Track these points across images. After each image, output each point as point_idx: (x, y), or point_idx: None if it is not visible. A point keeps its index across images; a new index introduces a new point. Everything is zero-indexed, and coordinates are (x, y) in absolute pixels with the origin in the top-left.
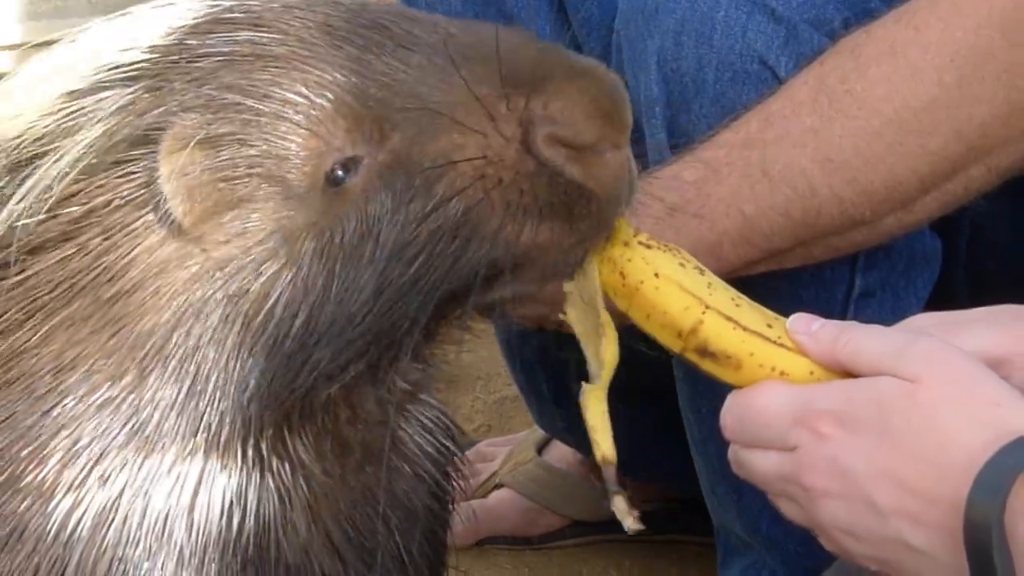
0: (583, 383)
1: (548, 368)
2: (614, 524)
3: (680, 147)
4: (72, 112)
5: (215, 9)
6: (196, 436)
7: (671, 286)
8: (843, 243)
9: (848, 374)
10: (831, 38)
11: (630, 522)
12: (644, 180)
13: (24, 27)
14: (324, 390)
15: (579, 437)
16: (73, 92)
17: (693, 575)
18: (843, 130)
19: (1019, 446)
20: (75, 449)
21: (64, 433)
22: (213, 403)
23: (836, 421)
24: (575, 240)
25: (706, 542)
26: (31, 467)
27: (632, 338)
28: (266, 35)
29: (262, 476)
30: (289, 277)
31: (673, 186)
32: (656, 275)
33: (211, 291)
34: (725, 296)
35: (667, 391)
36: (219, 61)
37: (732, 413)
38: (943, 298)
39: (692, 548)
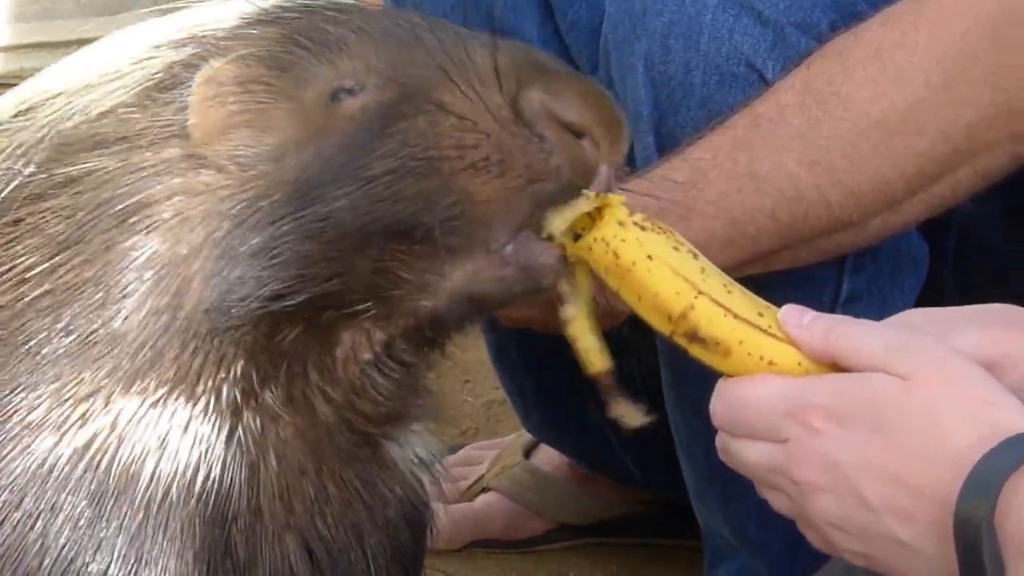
0: (564, 307)
1: (535, 372)
2: (601, 528)
3: (667, 149)
4: (137, 58)
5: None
6: (170, 369)
7: (664, 269)
8: (830, 245)
9: (837, 368)
10: (818, 41)
11: (638, 419)
12: (631, 182)
13: (12, 29)
14: (287, 307)
15: (565, 440)
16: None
17: None
18: (830, 132)
19: (1011, 445)
20: (62, 389)
21: (54, 374)
22: (186, 327)
23: (828, 415)
24: (524, 203)
25: (693, 546)
26: (20, 413)
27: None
28: (319, 9)
29: (232, 430)
30: (270, 184)
31: (660, 188)
32: (649, 257)
33: (199, 209)
34: (717, 282)
35: (654, 394)
36: (277, 23)
37: (723, 402)
38: (930, 300)
39: (679, 552)
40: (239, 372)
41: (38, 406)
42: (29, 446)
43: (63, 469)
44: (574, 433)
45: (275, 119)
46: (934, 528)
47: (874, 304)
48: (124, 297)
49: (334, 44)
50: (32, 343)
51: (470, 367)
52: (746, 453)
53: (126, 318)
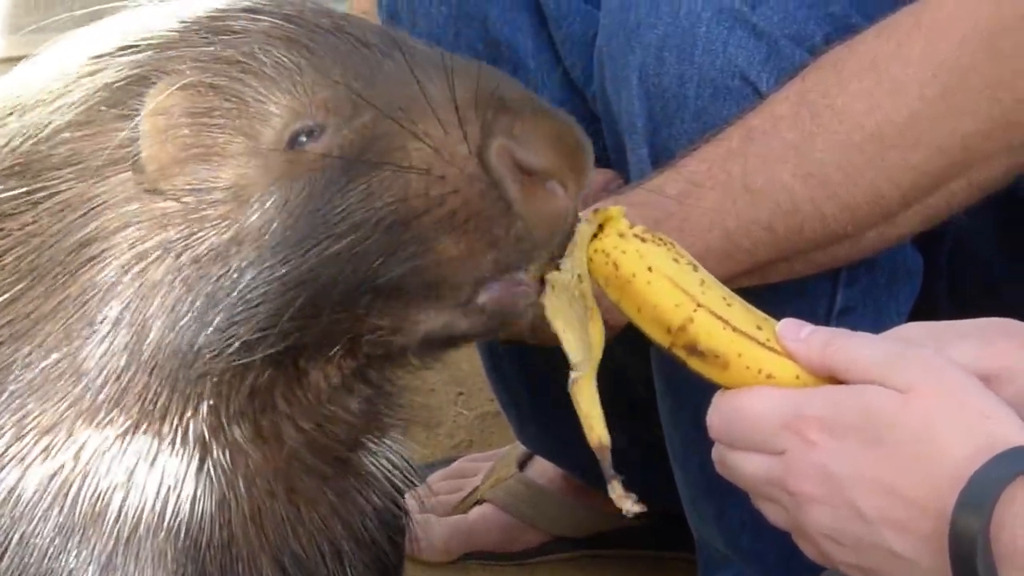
0: (570, 372)
1: (529, 383)
2: (596, 540)
3: (661, 162)
4: (81, 72)
5: (229, 7)
6: (135, 405)
7: (663, 281)
8: (825, 258)
9: (835, 380)
10: (812, 53)
11: (628, 505)
12: (626, 194)
13: (6, 41)
14: (257, 358)
15: (560, 452)
16: (87, 58)
17: None
18: (825, 145)
19: (1006, 457)
20: (24, 422)
21: (16, 405)
22: (151, 365)
23: (825, 427)
24: (490, 263)
25: (688, 557)
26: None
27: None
28: (269, 20)
29: (201, 464)
30: (235, 234)
31: (655, 200)
32: (649, 269)
33: (157, 243)
34: (717, 295)
35: (648, 405)
36: (224, 35)
37: (720, 413)
38: (925, 312)
39: (673, 563)
40: (206, 409)
41: (1, 437)
42: None
43: (29, 501)
44: (569, 445)
45: (232, 156)
46: (930, 540)
47: (869, 316)
48: (85, 332)
49: (287, 73)
50: None
51: (464, 379)
52: (743, 465)
53: (88, 353)
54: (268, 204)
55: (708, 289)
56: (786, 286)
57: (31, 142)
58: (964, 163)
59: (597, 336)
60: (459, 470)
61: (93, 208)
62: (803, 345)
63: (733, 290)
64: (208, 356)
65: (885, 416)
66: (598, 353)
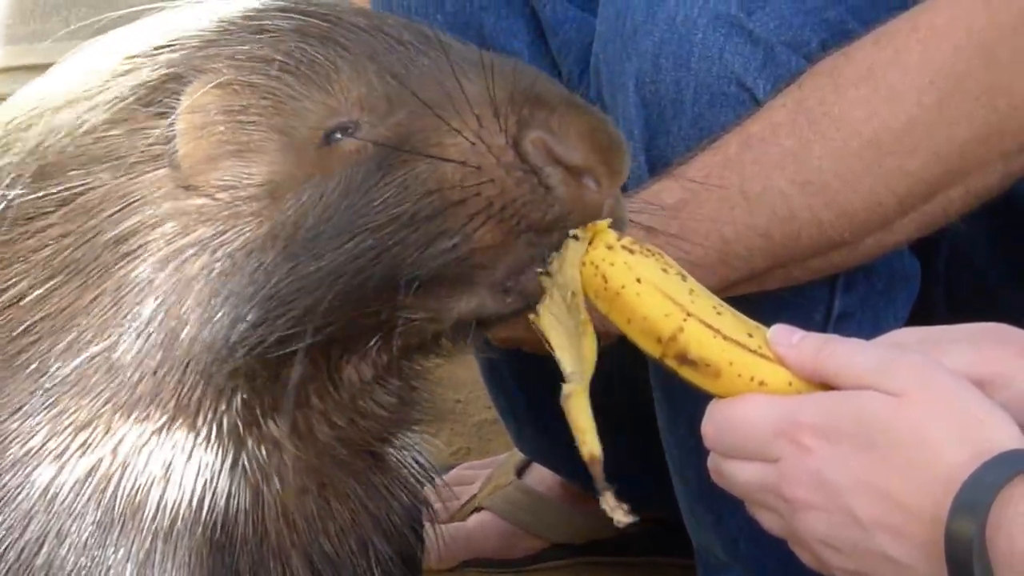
0: (563, 384)
1: (527, 390)
2: (594, 547)
3: (658, 169)
4: (116, 71)
5: (264, 7)
6: (171, 399)
7: (652, 292)
8: (823, 264)
9: (828, 386)
10: (808, 60)
11: (620, 515)
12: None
13: (2, 51)
14: (291, 350)
15: (558, 459)
16: (121, 58)
17: None
18: (822, 152)
19: (1001, 462)
20: (60, 418)
21: (52, 402)
22: (186, 360)
23: (819, 434)
24: (524, 249)
25: (686, 563)
26: (18, 439)
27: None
28: (296, 21)
29: (236, 458)
30: (269, 229)
31: (652, 208)
32: (638, 280)
33: (193, 240)
34: (706, 304)
35: (645, 412)
36: (259, 34)
37: (713, 422)
38: (921, 319)
39: (672, 569)
40: (240, 403)
41: (37, 433)
42: (31, 473)
43: (67, 496)
44: (567, 452)
45: (267, 152)
46: (926, 545)
47: (867, 322)
48: (121, 328)
49: (323, 71)
50: (30, 369)
51: (462, 387)
52: (738, 473)
53: (124, 348)
54: (303, 200)
55: (697, 298)
56: (783, 292)
57: (64, 140)
58: (961, 170)
59: (589, 351)
60: (457, 477)
61: (128, 205)
62: (795, 351)
63: (730, 297)
64: (243, 351)
65: (879, 422)
66: (590, 367)
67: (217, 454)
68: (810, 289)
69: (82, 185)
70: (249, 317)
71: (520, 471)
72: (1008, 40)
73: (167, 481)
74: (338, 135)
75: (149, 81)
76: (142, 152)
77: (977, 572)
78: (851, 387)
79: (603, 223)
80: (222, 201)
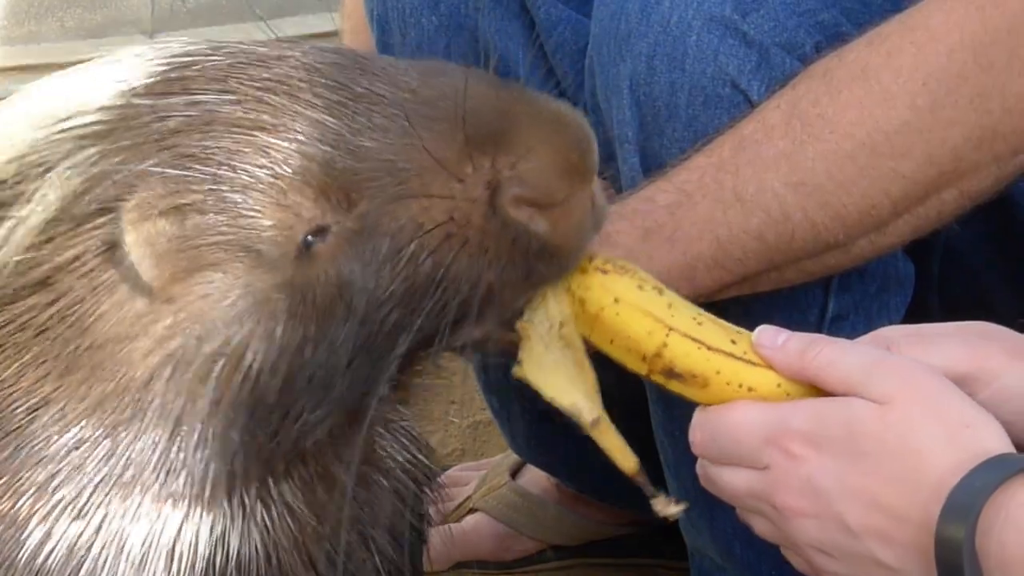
0: (582, 425)
1: (522, 393)
2: (589, 548)
3: (653, 171)
4: (29, 170)
5: (169, 67)
6: (177, 486)
7: (631, 311)
8: (816, 266)
9: (816, 387)
10: (803, 62)
11: (673, 509)
12: (617, 204)
13: None
14: (309, 440)
15: (552, 461)
16: (29, 150)
17: None
18: (816, 154)
19: (989, 466)
20: (49, 484)
21: (37, 468)
22: (194, 457)
23: (808, 441)
24: (537, 283)
25: (681, 567)
26: (5, 496)
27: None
28: (223, 98)
29: (245, 521)
30: (263, 336)
31: (646, 210)
32: (615, 300)
33: (184, 348)
34: (686, 315)
35: (640, 415)
36: (176, 126)
37: (702, 429)
38: (915, 321)
39: (667, 572)
40: (254, 480)
41: (31, 498)
42: (20, 537)
43: (55, 564)
44: (561, 454)
45: (236, 269)
46: (916, 551)
47: (860, 324)
48: (118, 425)
49: (267, 180)
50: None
51: (456, 389)
52: (728, 480)
53: (120, 439)
54: (293, 303)
55: (677, 311)
56: (777, 295)
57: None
58: (954, 173)
59: (592, 374)
60: (451, 479)
61: (96, 308)
62: (781, 353)
63: (722, 300)
64: (254, 451)
65: (867, 429)
66: (597, 390)
67: (224, 524)
68: (804, 291)
69: (56, 277)
70: (251, 424)
71: (514, 473)
72: (1002, 43)
73: (172, 548)
74: (309, 239)
75: (81, 193)
76: (99, 257)
77: None
78: (837, 389)
79: None
80: (207, 308)
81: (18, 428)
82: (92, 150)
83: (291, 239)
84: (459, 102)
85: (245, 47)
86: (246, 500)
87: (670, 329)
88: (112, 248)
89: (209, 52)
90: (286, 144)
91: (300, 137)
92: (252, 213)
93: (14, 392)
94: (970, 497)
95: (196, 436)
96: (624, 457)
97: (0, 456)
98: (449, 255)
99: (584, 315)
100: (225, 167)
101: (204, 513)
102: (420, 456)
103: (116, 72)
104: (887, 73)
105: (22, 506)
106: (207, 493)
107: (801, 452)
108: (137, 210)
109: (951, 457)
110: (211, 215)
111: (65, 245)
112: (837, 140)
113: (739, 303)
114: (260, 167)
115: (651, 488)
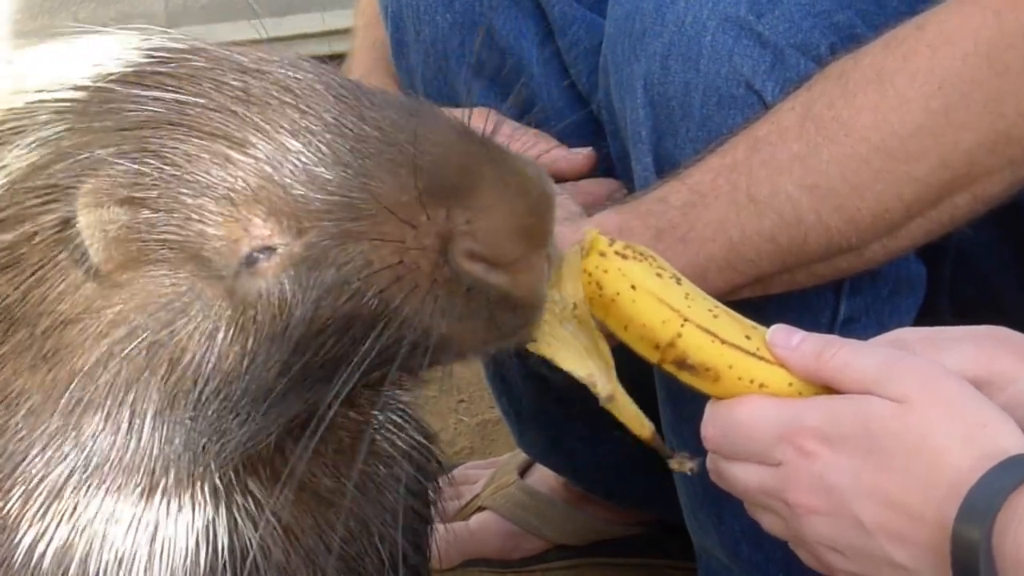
0: (598, 396)
1: (531, 391)
2: (596, 548)
3: (666, 171)
4: (3, 135)
5: (150, 60)
6: (144, 477)
7: (648, 298)
8: (828, 269)
9: (828, 387)
10: (817, 63)
11: (689, 464)
12: (630, 203)
13: (11, 46)
14: (256, 444)
15: (561, 460)
16: (6, 115)
17: None
18: (830, 156)
19: (1006, 467)
20: (34, 483)
21: (21, 466)
22: (150, 448)
23: (822, 439)
24: (495, 335)
25: (688, 567)
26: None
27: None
28: (193, 102)
29: (228, 510)
30: (202, 340)
31: (659, 210)
32: (632, 287)
33: (131, 336)
34: (703, 307)
35: (648, 414)
36: (144, 119)
37: (714, 424)
38: (927, 324)
39: (674, 572)
40: (222, 474)
41: (17, 497)
42: (14, 540)
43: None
44: (569, 453)
45: (184, 267)
46: (931, 551)
47: (872, 327)
48: (84, 415)
49: (227, 193)
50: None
51: (464, 387)
52: (739, 476)
53: (88, 431)
54: (235, 314)
55: (693, 302)
56: (789, 297)
57: None
58: (968, 176)
59: (605, 347)
60: (460, 477)
61: (53, 289)
62: (796, 353)
63: (734, 302)
64: (203, 449)
65: (883, 428)
66: (611, 367)
67: (207, 514)
68: (816, 294)
69: (17, 253)
70: (211, 426)
71: (523, 471)
72: (1017, 47)
73: (155, 543)
74: (255, 255)
75: (44, 166)
76: (54, 235)
77: None
78: (853, 390)
79: (594, 230)
80: (155, 299)
81: (1, 426)
82: (61, 126)
83: (236, 251)
84: (422, 150)
85: (226, 54)
86: (218, 488)
87: (685, 320)
88: (65, 227)
89: (190, 53)
90: (246, 160)
91: (261, 156)
92: (202, 220)
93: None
94: (987, 498)
95: (148, 429)
96: (640, 426)
97: None
98: (397, 297)
99: (600, 299)
100: (183, 170)
101: (179, 503)
102: (420, 438)
103: (98, 52)
104: (902, 77)
105: (12, 508)
106: (172, 483)
107: (815, 449)
108: (92, 195)
109: (968, 457)
110: (163, 213)
111: (24, 215)
112: (852, 143)
113: (751, 305)
114: (217, 177)
115: (667, 449)
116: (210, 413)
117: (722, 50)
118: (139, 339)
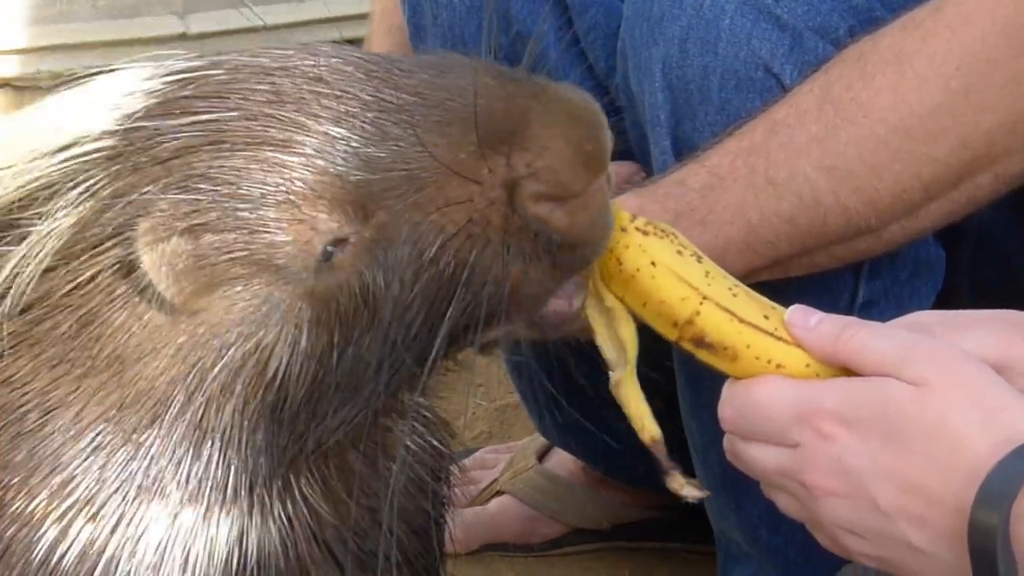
0: (610, 373)
1: (549, 375)
2: (615, 532)
3: (684, 154)
4: (38, 193)
5: (170, 86)
6: (198, 489)
7: (667, 275)
8: (847, 251)
9: (846, 368)
10: (836, 46)
11: (691, 491)
12: (649, 186)
13: (29, 32)
14: (335, 438)
15: (580, 444)
16: (36, 175)
17: None
18: (848, 138)
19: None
20: (66, 485)
21: (53, 469)
22: (217, 461)
23: (840, 421)
24: (560, 276)
25: (707, 551)
26: (19, 495)
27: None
28: (228, 115)
29: (264, 519)
30: (287, 345)
31: (678, 193)
32: (652, 263)
33: (206, 358)
34: (722, 285)
35: (669, 398)
36: (182, 146)
37: (731, 405)
38: (946, 307)
39: (693, 556)
40: (276, 479)
41: (45, 499)
42: (34, 537)
43: (68, 565)
44: (588, 437)
45: (257, 282)
46: (949, 534)
47: (891, 309)
48: (137, 431)
49: (286, 197)
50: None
51: (483, 371)
52: (756, 456)
53: (143, 439)
54: (317, 312)
55: (713, 280)
56: (808, 279)
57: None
58: (988, 157)
59: (628, 334)
60: (478, 461)
61: (115, 321)
62: (814, 335)
63: (753, 284)
64: (280, 454)
65: (901, 411)
66: (632, 351)
67: (243, 523)
68: (835, 276)
69: (72, 292)
70: (280, 433)
71: (541, 456)
72: None
73: (187, 550)
74: (329, 250)
75: (93, 217)
76: (116, 275)
77: (1001, 562)
78: (871, 373)
79: (616, 206)
80: (230, 320)
81: (31, 430)
82: (100, 175)
83: (310, 251)
84: (468, 103)
85: (246, 60)
86: (266, 499)
87: (704, 298)
88: (128, 267)
89: (209, 68)
90: (296, 160)
91: (309, 151)
92: (267, 229)
93: (27, 393)
94: (1005, 482)
95: (218, 441)
96: (641, 427)
97: (14, 457)
98: (472, 255)
99: (620, 274)
100: (236, 185)
101: (223, 515)
102: (432, 440)
103: (115, 93)
104: (921, 58)
105: (36, 507)
106: (228, 495)
107: (833, 431)
108: (151, 232)
109: (987, 441)
110: (226, 233)
111: (79, 268)
112: (870, 124)
113: (770, 288)
114: (271, 184)
115: (668, 463)
116: (293, 414)
117: (740, 33)
118: (216, 360)
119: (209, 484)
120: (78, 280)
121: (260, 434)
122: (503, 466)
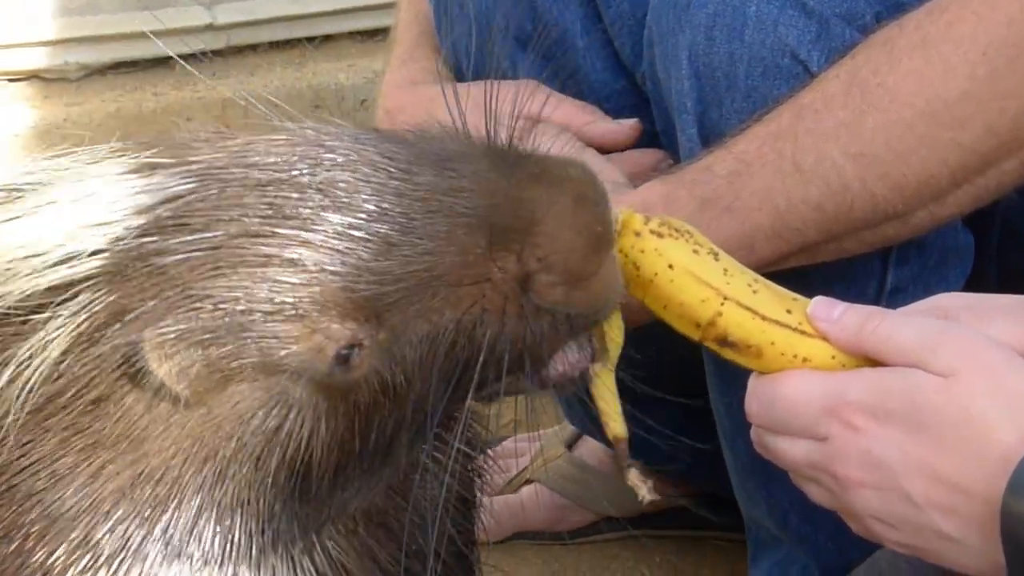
0: (592, 365)
1: None
2: (644, 520)
3: (711, 141)
4: (34, 306)
5: (161, 203)
6: (220, 555)
7: (686, 277)
8: (875, 237)
9: (871, 359)
10: (863, 32)
11: (643, 492)
12: (675, 173)
13: (57, 23)
14: (362, 502)
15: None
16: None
17: (724, 570)
18: (875, 123)
19: None
20: (84, 544)
21: (70, 526)
22: (239, 532)
23: (868, 413)
24: (571, 333)
25: (737, 538)
26: (40, 546)
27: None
28: (222, 236)
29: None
30: (305, 435)
31: (705, 180)
32: (670, 266)
33: (222, 445)
34: (742, 282)
35: (698, 386)
36: (181, 267)
37: (759, 399)
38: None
39: (723, 543)
40: (299, 540)
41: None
42: None
43: None
44: None
45: (273, 384)
46: (980, 523)
47: (919, 296)
48: (153, 507)
49: (294, 312)
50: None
51: None
52: (785, 449)
53: (164, 514)
54: (334, 406)
55: (732, 278)
56: (835, 266)
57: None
58: (1014, 142)
59: (616, 336)
60: (507, 450)
61: (125, 410)
62: (837, 327)
63: (781, 271)
64: (301, 527)
65: (929, 402)
66: (616, 349)
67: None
68: (863, 263)
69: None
70: (300, 511)
71: (570, 444)
72: None
73: None
74: (344, 354)
75: (94, 336)
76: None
77: None
78: (897, 363)
79: (627, 209)
80: (245, 411)
81: (45, 488)
82: (98, 291)
83: (323, 356)
84: (474, 207)
85: (237, 173)
86: (292, 555)
87: (725, 298)
88: (136, 372)
89: (198, 181)
90: (300, 277)
91: (314, 268)
92: (278, 340)
93: (39, 457)
94: None
95: (239, 515)
96: (613, 422)
97: (30, 512)
98: (487, 335)
99: (638, 279)
100: (240, 303)
101: (247, 574)
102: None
103: (104, 209)
104: (947, 43)
105: (56, 560)
106: (253, 558)
107: (862, 423)
108: (158, 348)
109: (1015, 431)
110: (235, 346)
111: (82, 377)
112: (897, 109)
113: (797, 275)
114: (278, 302)
115: (625, 462)
116: (312, 494)
117: (767, 20)
118: (232, 448)
119: (231, 549)
120: (81, 386)
121: (281, 507)
122: (532, 455)
